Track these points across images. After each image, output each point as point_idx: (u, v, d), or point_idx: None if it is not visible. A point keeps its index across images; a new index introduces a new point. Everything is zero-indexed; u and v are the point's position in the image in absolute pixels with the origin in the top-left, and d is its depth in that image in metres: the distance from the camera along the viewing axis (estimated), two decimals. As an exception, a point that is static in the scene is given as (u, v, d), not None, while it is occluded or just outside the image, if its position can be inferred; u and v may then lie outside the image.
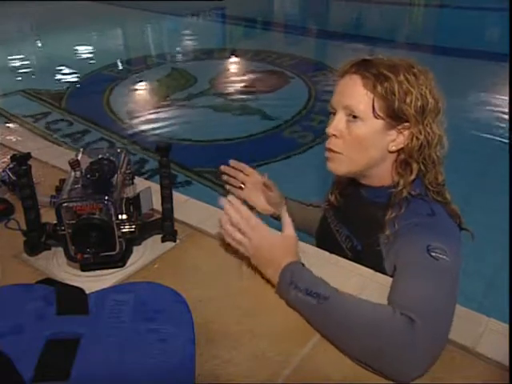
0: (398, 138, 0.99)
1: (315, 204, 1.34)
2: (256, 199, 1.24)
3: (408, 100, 0.95)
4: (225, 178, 1.28)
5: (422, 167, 1.00)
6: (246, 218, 0.95)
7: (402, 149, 0.99)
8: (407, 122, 0.97)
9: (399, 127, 0.98)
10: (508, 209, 2.11)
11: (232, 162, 1.27)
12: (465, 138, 3.12)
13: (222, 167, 1.27)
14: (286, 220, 0.98)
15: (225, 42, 7.38)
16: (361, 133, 0.98)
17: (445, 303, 0.81)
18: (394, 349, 0.74)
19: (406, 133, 0.98)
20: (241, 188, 1.25)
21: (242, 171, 1.27)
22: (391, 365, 0.74)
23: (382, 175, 1.04)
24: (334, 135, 1.01)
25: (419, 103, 0.95)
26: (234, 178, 1.28)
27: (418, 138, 0.97)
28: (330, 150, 1.03)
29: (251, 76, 4.98)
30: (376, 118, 0.97)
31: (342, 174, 1.07)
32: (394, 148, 1.00)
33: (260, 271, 0.95)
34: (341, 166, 1.04)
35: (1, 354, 0.63)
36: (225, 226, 0.97)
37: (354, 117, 0.98)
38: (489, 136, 3.48)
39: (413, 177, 0.99)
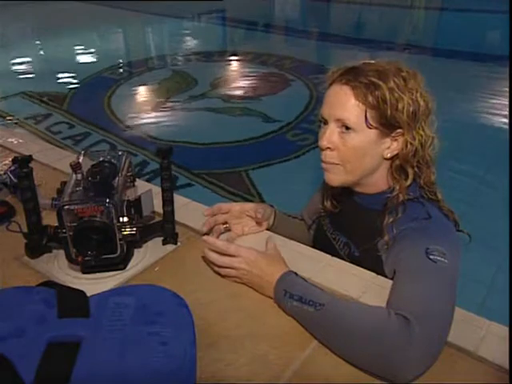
0: (392, 145, 0.99)
1: (298, 217, 1.34)
2: (248, 228, 1.16)
3: (400, 107, 0.94)
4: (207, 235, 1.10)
5: (417, 170, 1.00)
6: (224, 251, 0.96)
7: (397, 155, 0.99)
8: (400, 128, 0.97)
9: (393, 134, 0.98)
10: (508, 209, 2.11)
11: (206, 211, 1.14)
12: (464, 138, 3.13)
13: (205, 230, 1.13)
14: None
15: (225, 45, 7.39)
16: (355, 143, 0.98)
17: (442, 303, 0.81)
18: (390, 349, 0.74)
19: (400, 139, 0.98)
20: (228, 229, 1.15)
21: (219, 213, 1.15)
22: (388, 365, 0.74)
23: (378, 182, 1.04)
24: (328, 148, 1.01)
25: (411, 109, 0.95)
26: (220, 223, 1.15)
27: (412, 143, 0.97)
28: (326, 163, 1.03)
29: (252, 78, 4.98)
30: (369, 127, 0.96)
31: (338, 185, 1.06)
32: (389, 155, 0.99)
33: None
34: (338, 176, 1.03)
35: (1, 357, 0.63)
36: (214, 268, 1.00)
37: (347, 128, 0.97)
38: (489, 135, 3.48)
39: (409, 182, 0.99)
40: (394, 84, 0.95)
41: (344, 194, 1.13)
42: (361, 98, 0.95)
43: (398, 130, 0.97)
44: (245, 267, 0.94)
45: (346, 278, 0.98)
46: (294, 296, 0.85)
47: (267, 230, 1.17)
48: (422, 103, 0.96)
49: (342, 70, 0.99)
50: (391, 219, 0.98)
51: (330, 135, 1.00)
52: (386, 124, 0.96)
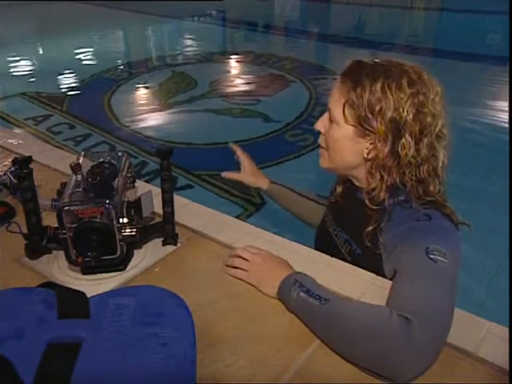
0: (370, 147, 0.97)
1: (311, 196, 1.38)
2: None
3: (377, 110, 0.92)
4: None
5: (407, 182, 0.96)
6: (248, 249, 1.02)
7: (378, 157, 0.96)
8: (374, 133, 0.94)
9: (369, 138, 0.96)
10: (508, 209, 2.11)
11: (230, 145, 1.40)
12: (466, 142, 3.13)
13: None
14: None
15: (225, 45, 7.39)
16: (335, 135, 1.01)
17: (442, 303, 0.81)
18: (390, 348, 0.74)
19: (379, 144, 0.94)
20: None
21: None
22: (388, 365, 0.74)
23: (368, 178, 1.02)
24: (319, 131, 1.07)
25: (389, 116, 0.91)
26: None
27: (392, 153, 0.93)
28: (320, 146, 1.09)
29: (252, 79, 4.98)
30: (347, 123, 0.97)
31: (325, 168, 1.10)
32: (369, 156, 0.98)
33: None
34: (324, 161, 1.09)
35: (1, 358, 0.63)
36: (231, 271, 1.01)
37: (331, 119, 1.01)
38: (489, 138, 3.48)
39: (384, 187, 0.97)
40: (380, 87, 0.92)
41: (347, 189, 1.13)
42: (344, 92, 0.96)
43: (374, 135, 0.95)
44: (258, 261, 0.97)
45: (345, 279, 0.98)
46: (303, 286, 0.86)
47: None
48: (410, 116, 0.91)
49: (350, 64, 1.00)
50: (392, 217, 0.98)
51: (323, 121, 1.06)
52: (362, 124, 0.95)
